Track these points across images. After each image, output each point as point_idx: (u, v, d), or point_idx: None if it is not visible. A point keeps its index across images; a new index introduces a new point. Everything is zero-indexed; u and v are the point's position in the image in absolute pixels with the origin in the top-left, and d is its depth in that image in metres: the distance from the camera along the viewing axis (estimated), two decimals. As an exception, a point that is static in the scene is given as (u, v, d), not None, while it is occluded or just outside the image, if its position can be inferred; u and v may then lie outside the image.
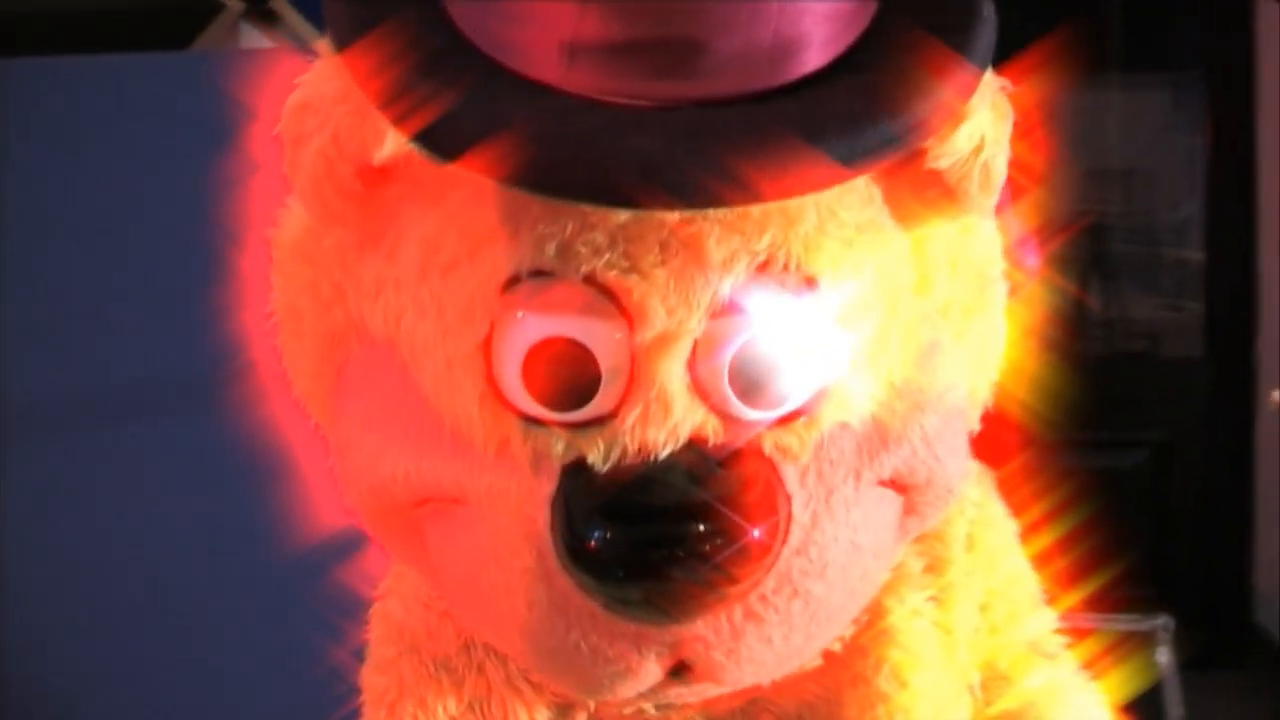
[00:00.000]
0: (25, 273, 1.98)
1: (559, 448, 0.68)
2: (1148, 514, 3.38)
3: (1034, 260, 0.86)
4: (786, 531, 0.69)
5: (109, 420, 1.93)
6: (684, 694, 0.74)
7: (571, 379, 0.67)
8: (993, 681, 0.84)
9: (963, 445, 0.77)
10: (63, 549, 1.95)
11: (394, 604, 0.83)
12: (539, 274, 0.68)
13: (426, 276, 0.70)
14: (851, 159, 0.66)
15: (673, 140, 0.64)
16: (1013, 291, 0.82)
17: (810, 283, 0.69)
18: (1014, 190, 0.78)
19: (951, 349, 0.76)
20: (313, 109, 0.71)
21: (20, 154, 1.97)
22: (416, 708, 0.80)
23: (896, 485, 0.73)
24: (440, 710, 0.80)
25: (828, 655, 0.77)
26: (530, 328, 0.68)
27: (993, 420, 0.83)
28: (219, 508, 1.88)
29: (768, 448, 0.69)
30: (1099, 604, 0.92)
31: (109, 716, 1.98)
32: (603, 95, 0.66)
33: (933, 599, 0.81)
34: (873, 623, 0.79)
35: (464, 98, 0.66)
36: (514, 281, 0.68)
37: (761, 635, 0.70)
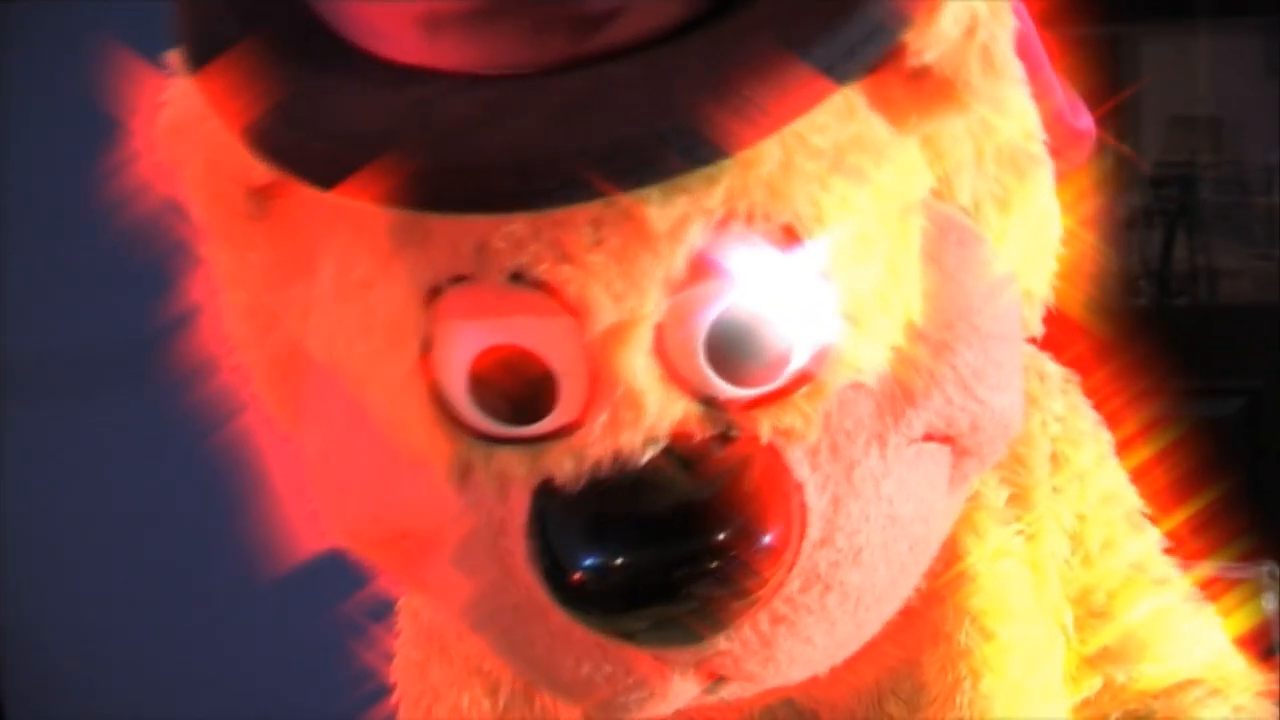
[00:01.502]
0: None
1: (525, 468, 0.60)
2: (1243, 462, 3.27)
3: (1086, 123, 0.74)
4: (803, 525, 0.60)
5: (118, 379, 1.88)
6: (736, 692, 0.66)
7: (526, 389, 0.59)
8: (1089, 619, 0.74)
9: (1013, 375, 0.66)
10: (63, 510, 1.91)
11: (421, 602, 0.77)
12: (461, 280, 0.59)
13: (346, 297, 0.62)
14: (833, 64, 0.55)
15: (555, 120, 0.54)
16: (1063, 165, 0.70)
17: (788, 232, 0.58)
18: (1050, 55, 0.67)
19: (986, 256, 0.65)
20: (182, 132, 0.63)
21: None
22: (450, 713, 0.74)
23: (936, 438, 0.64)
24: (475, 715, 0.74)
25: (905, 610, 0.68)
26: (466, 340, 0.59)
27: (1063, 320, 0.73)
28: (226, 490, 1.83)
29: (766, 432, 0.59)
30: (1200, 552, 0.83)
31: (108, 674, 1.95)
32: (479, 69, 0.57)
33: (1020, 533, 0.72)
34: (949, 565, 0.70)
35: (317, 112, 0.57)
36: (435, 293, 0.59)
37: (798, 637, 0.62)
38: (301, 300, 0.65)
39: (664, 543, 0.58)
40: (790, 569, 0.60)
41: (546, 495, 0.59)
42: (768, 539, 0.58)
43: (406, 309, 0.60)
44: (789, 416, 0.60)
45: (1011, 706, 0.70)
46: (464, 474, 0.61)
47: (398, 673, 0.79)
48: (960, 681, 0.70)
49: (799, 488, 0.60)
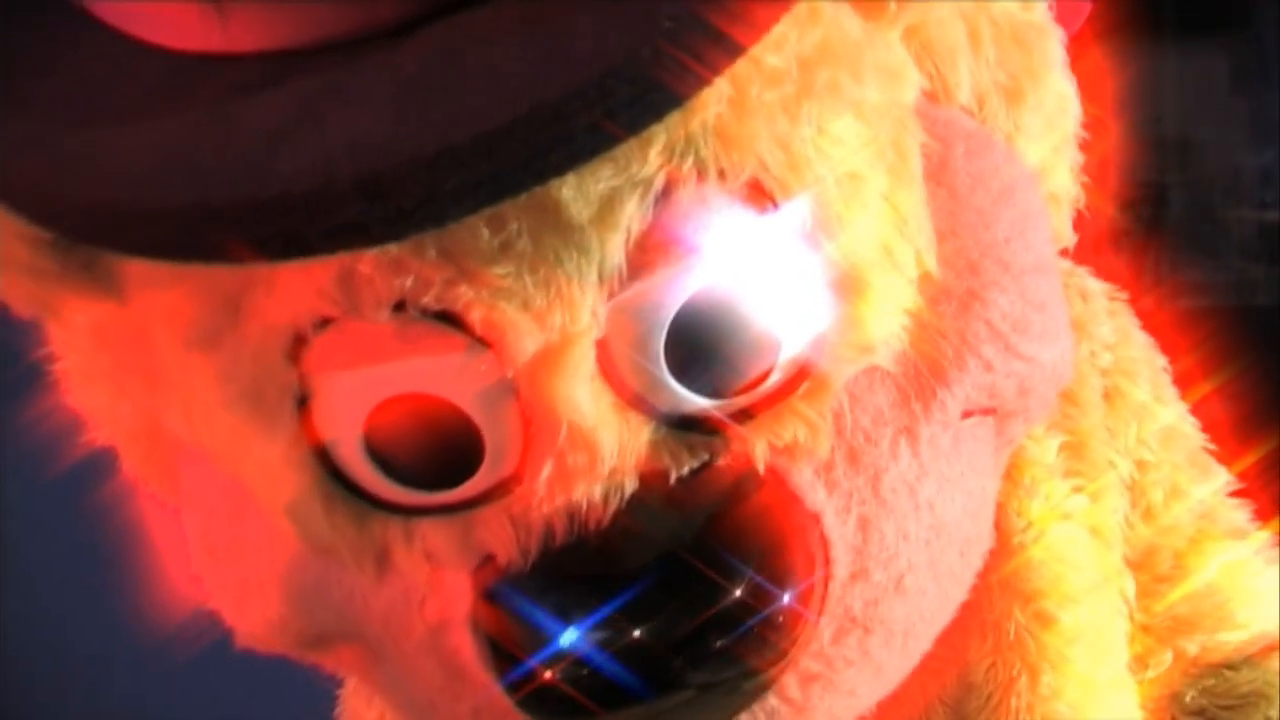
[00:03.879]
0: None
1: (456, 543, 0.46)
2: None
3: None
4: (826, 564, 0.47)
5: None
6: None
7: (442, 444, 0.45)
8: (1154, 585, 0.62)
9: (1059, 315, 0.53)
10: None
11: (359, 704, 0.65)
12: (327, 322, 0.44)
13: (188, 361, 0.48)
14: None
15: (403, 107, 0.39)
16: (1073, 34, 0.57)
17: (754, 189, 0.45)
18: None
19: (1004, 165, 0.53)
20: None
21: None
22: None
23: (976, 413, 0.51)
24: None
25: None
26: (351, 394, 0.45)
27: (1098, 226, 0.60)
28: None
29: (761, 452, 0.46)
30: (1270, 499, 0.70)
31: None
32: (290, 46, 0.42)
33: (1079, 489, 0.59)
34: (998, 541, 0.56)
35: (88, 151, 0.42)
36: (300, 343, 0.45)
37: (838, 693, 0.49)
38: (141, 368, 0.50)
39: (650, 621, 0.44)
40: (818, 621, 0.47)
41: (490, 576, 0.46)
42: (784, 594, 0.45)
43: (266, 366, 0.45)
44: (788, 427, 0.47)
45: (1080, 705, 0.58)
46: (380, 560, 0.48)
47: None
48: (1014, 681, 0.58)
49: (815, 519, 0.47)
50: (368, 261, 0.42)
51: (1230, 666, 0.63)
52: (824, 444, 0.47)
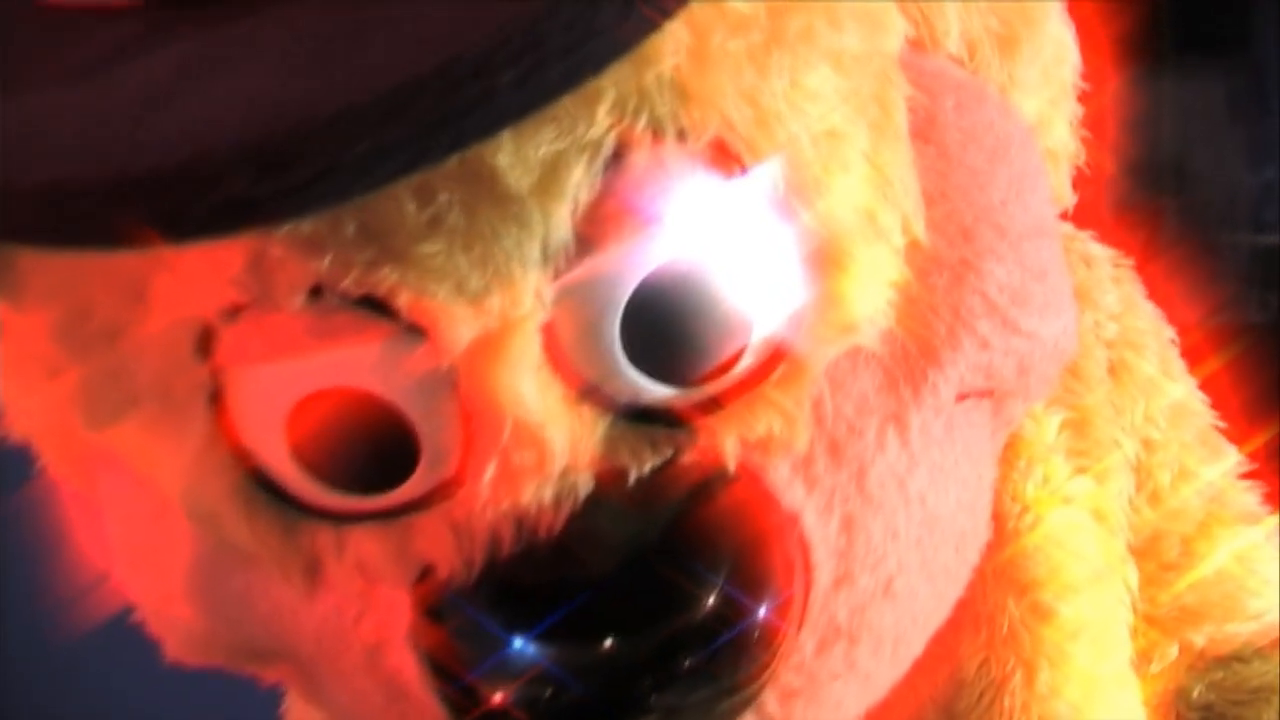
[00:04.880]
0: None
1: (391, 553, 0.42)
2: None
3: None
4: (807, 570, 0.42)
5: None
6: None
7: (372, 443, 0.40)
8: (1160, 573, 0.58)
9: (1061, 285, 0.49)
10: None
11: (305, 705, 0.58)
12: (238, 312, 0.39)
13: (91, 354, 0.42)
14: None
15: (302, 64, 0.35)
16: None
17: (719, 150, 0.40)
18: None
19: (998, 119, 0.48)
20: None
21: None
22: None
23: (972, 395, 0.47)
24: None
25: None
26: (269, 389, 0.40)
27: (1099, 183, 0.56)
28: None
29: (732, 446, 0.42)
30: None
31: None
32: None
33: (1082, 470, 0.55)
34: (994, 529, 0.51)
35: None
36: (208, 336, 0.40)
37: (823, 706, 0.45)
38: (41, 358, 0.45)
39: (610, 637, 0.40)
40: (799, 633, 0.43)
41: (431, 589, 0.41)
42: (760, 605, 0.41)
43: (174, 361, 0.40)
44: (762, 418, 0.42)
45: (1081, 704, 0.54)
46: (310, 572, 0.43)
47: None
48: (1008, 678, 0.54)
49: (793, 520, 0.42)
50: (279, 242, 0.37)
51: (1240, 659, 0.59)
52: (802, 436, 0.42)
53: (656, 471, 0.41)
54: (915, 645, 0.48)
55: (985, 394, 0.47)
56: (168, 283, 0.39)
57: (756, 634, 0.41)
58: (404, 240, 0.37)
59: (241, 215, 0.34)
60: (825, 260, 0.42)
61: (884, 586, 0.44)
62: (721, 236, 0.40)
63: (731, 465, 0.42)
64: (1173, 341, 0.60)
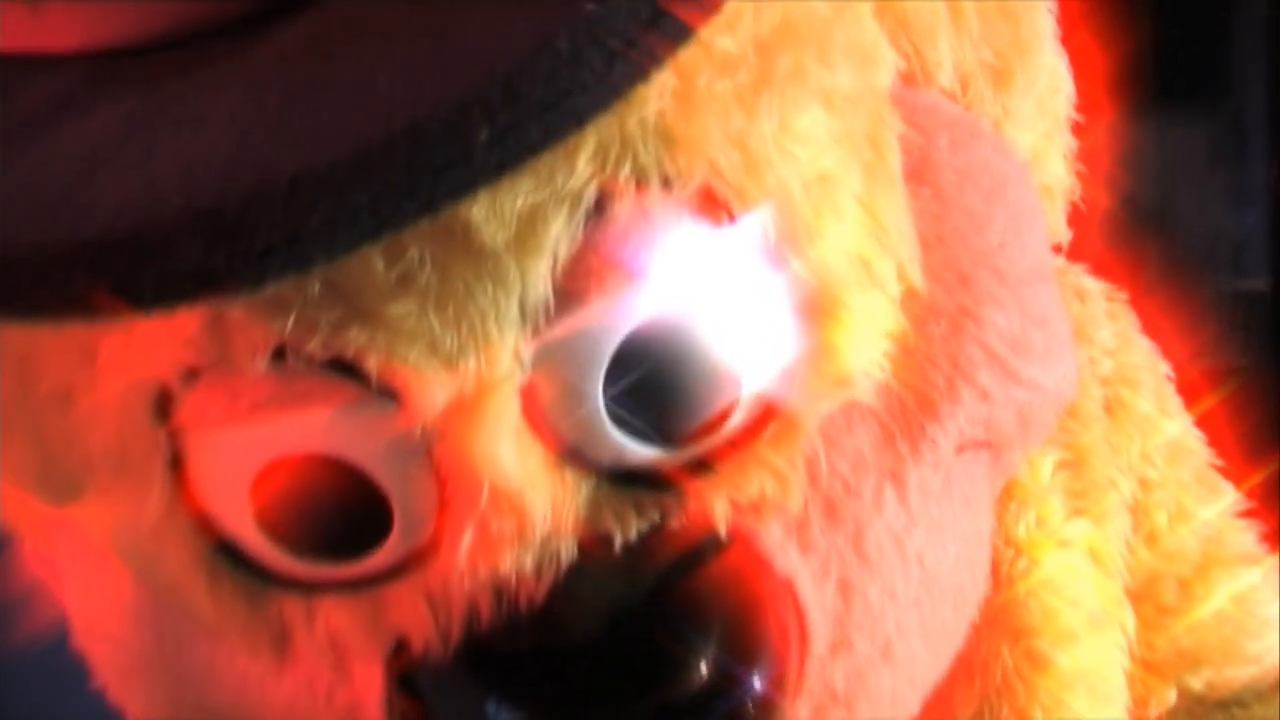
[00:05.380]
0: None
1: (364, 625, 0.40)
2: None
3: None
4: (802, 638, 0.41)
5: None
6: None
7: (342, 509, 0.38)
8: (1157, 617, 0.56)
9: (1062, 331, 0.47)
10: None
11: None
12: (196, 374, 0.37)
13: (43, 418, 0.40)
14: None
15: (258, 122, 0.32)
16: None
17: (706, 198, 0.38)
18: None
19: (993, 156, 0.47)
20: None
21: None
22: None
23: (970, 448, 0.45)
24: None
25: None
26: (233, 455, 0.38)
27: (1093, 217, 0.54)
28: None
29: (722, 509, 0.40)
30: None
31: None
32: (106, 41, 0.35)
33: (1079, 512, 0.53)
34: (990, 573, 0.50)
35: None
36: (166, 398, 0.38)
37: None
38: None
39: (596, 712, 0.38)
40: (794, 702, 0.41)
41: (405, 664, 0.39)
42: (753, 675, 0.39)
43: (129, 424, 0.38)
44: (753, 478, 0.40)
45: None
46: (279, 644, 0.41)
47: None
48: None
49: (787, 585, 0.40)
50: (238, 303, 0.35)
51: (1239, 704, 0.57)
52: (796, 497, 0.40)
53: (643, 537, 0.39)
54: (912, 706, 0.46)
55: (984, 445, 0.45)
56: (120, 344, 0.37)
57: (750, 705, 0.39)
58: (372, 299, 0.35)
59: (194, 286, 0.31)
60: (818, 311, 0.40)
61: (882, 651, 0.42)
62: (709, 288, 0.38)
63: (722, 529, 0.40)
64: (1168, 377, 0.58)
